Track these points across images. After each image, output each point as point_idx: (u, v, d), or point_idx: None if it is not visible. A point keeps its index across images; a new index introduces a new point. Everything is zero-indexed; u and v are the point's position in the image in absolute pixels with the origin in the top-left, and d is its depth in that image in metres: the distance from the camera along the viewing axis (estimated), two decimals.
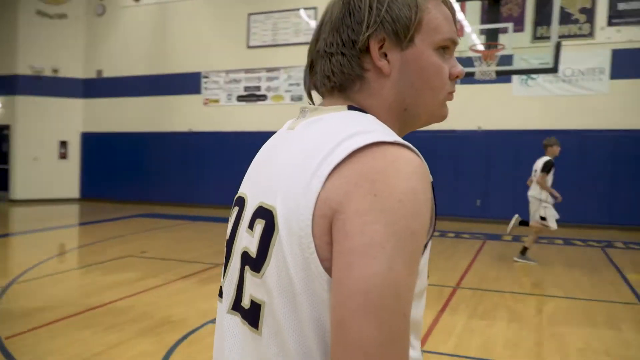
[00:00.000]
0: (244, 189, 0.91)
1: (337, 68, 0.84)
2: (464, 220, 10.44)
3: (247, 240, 0.83)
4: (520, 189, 10.07)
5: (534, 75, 10.18)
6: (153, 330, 4.16)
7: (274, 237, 0.76)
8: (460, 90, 10.59)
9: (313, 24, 11.67)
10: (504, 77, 9.21)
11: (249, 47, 12.46)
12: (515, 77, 10.18)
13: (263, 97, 12.22)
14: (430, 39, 0.84)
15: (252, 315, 0.80)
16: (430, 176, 0.76)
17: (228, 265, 0.89)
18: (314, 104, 0.91)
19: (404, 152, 0.74)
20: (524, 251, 6.91)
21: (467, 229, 9.80)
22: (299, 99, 11.88)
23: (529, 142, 10.18)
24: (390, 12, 0.81)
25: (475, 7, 10.43)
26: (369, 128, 0.77)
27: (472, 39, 7.94)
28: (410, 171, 0.72)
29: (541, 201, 6.82)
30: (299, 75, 11.83)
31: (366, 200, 0.69)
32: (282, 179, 0.79)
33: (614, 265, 6.79)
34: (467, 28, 8.10)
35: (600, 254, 7.64)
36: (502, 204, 10.21)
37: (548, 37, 10.29)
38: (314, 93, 0.92)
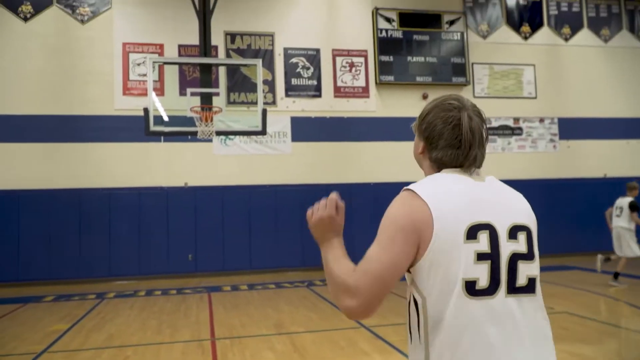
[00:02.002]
0: (485, 218, 1.44)
1: (483, 159, 1.56)
2: (178, 277, 10.53)
3: (514, 246, 1.43)
4: (229, 240, 10.82)
5: (231, 136, 11.19)
6: None
7: (533, 239, 1.48)
8: (166, 148, 10.89)
9: None
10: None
11: None
12: (215, 137, 10.96)
13: None
14: None
15: (530, 286, 1.42)
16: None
17: (496, 269, 1.39)
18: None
19: None
20: (616, 276, 8.43)
21: (184, 284, 9.94)
22: None
23: (231, 196, 11.08)
24: None
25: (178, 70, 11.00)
26: None
27: (192, 101, 8.37)
28: None
29: (631, 231, 8.29)
30: None
31: None
32: (520, 210, 1.51)
33: (328, 301, 7.98)
34: (188, 90, 8.47)
35: (306, 291, 8.82)
36: (212, 256, 10.74)
37: (240, 102, 11.56)
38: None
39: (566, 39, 13.49)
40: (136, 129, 10.35)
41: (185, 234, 10.72)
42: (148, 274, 10.50)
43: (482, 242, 1.39)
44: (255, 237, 11.04)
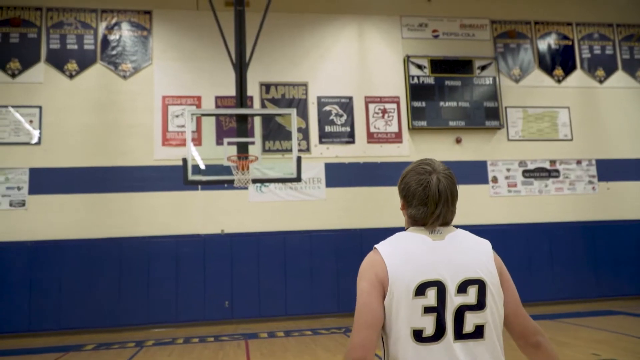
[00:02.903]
0: (435, 276, 1.66)
1: (452, 214, 1.80)
2: (215, 324, 10.54)
3: (462, 299, 1.66)
4: (265, 286, 10.86)
5: (267, 184, 11.37)
6: None
7: (486, 291, 1.69)
8: (203, 196, 11.12)
9: (28, 126, 10.80)
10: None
11: None
12: (251, 185, 11.16)
13: None
14: None
15: (478, 332, 1.66)
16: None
17: (441, 319, 1.64)
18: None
19: None
20: None
21: (221, 331, 9.94)
22: (22, 204, 10.57)
23: (266, 242, 11.16)
24: None
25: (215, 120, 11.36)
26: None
27: (229, 150, 8.60)
28: None
29: None
30: (21, 178, 10.61)
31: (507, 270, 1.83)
32: (475, 265, 1.70)
33: None
34: (225, 140, 8.72)
35: (343, 337, 8.71)
36: (249, 302, 10.75)
37: (275, 150, 11.80)
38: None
39: (601, 81, 13.41)
40: (175, 178, 10.64)
41: (222, 280, 10.79)
42: (185, 321, 10.56)
43: (430, 298, 1.64)
44: (291, 283, 11.02)
